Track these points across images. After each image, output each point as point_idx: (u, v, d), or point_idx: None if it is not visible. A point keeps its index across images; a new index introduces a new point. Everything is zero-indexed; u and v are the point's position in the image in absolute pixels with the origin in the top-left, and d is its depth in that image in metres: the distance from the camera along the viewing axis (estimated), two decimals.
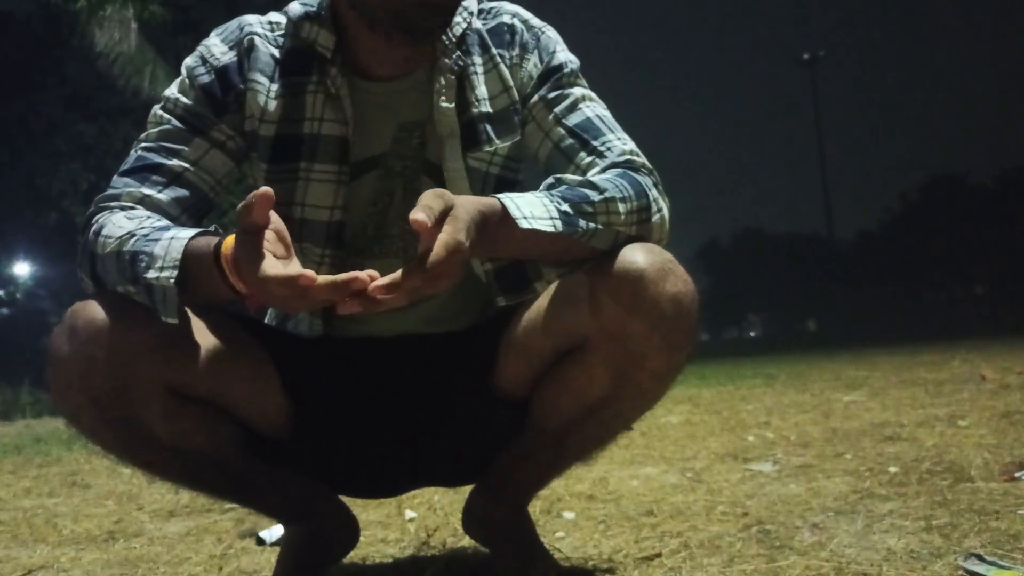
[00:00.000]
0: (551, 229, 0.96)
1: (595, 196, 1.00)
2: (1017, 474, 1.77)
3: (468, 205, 0.91)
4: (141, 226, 1.00)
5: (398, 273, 0.84)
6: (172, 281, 0.92)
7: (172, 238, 0.95)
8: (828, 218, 42.40)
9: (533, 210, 0.96)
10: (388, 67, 1.15)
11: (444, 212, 0.87)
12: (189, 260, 0.93)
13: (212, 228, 0.99)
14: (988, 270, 44.25)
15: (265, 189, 0.83)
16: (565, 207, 0.98)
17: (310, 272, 0.82)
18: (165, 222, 1.03)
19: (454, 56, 1.16)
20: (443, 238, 0.85)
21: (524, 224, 0.94)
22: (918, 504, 1.58)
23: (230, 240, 0.90)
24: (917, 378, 4.97)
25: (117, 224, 1.02)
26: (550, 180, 1.05)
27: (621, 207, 1.01)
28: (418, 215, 0.83)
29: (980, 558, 1.14)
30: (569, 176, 1.05)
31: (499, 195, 0.97)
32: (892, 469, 2.00)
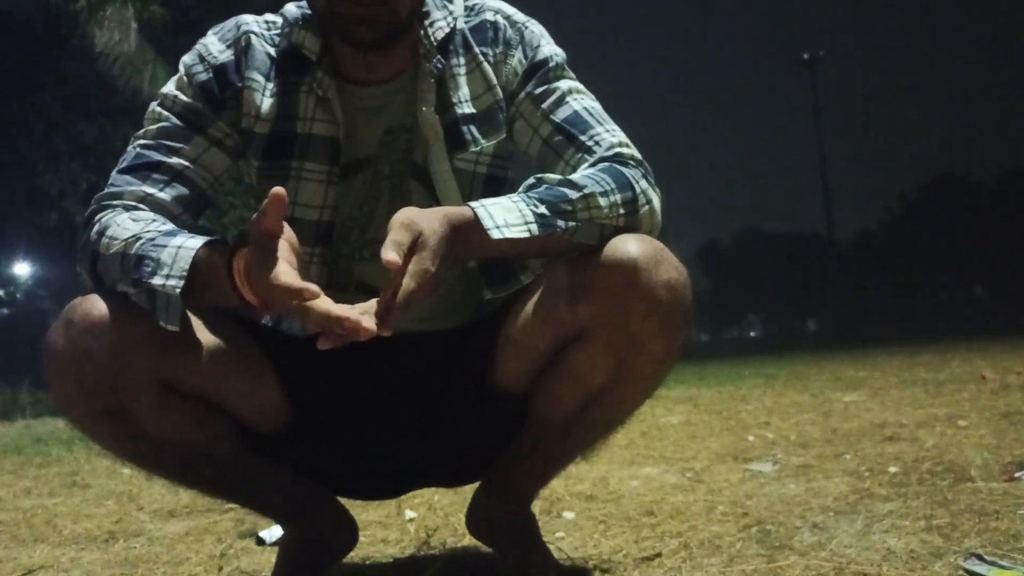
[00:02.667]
0: (526, 234, 0.97)
1: (573, 194, 1.01)
2: (1017, 474, 1.77)
3: (436, 225, 0.94)
4: (147, 229, 1.01)
5: (373, 312, 0.90)
6: (178, 291, 0.94)
7: (180, 246, 0.96)
8: (828, 218, 42.38)
9: (507, 217, 0.97)
10: (364, 72, 1.16)
11: (413, 242, 0.91)
12: (198, 268, 0.95)
13: (218, 237, 1.01)
14: (988, 270, 44.23)
15: (277, 190, 0.86)
16: (542, 209, 0.99)
17: (314, 287, 0.85)
18: (171, 226, 1.04)
19: (434, 60, 1.17)
20: (412, 269, 0.91)
21: (496, 234, 0.96)
22: (918, 504, 1.58)
23: (243, 251, 0.92)
24: (917, 378, 4.97)
25: (122, 226, 1.02)
26: (530, 181, 1.06)
27: (602, 201, 1.02)
28: (388, 255, 0.88)
29: (980, 558, 1.14)
30: (549, 176, 1.05)
31: (473, 204, 0.99)
32: (892, 469, 2.00)
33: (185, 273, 0.94)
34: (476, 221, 0.97)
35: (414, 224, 0.92)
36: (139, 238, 0.99)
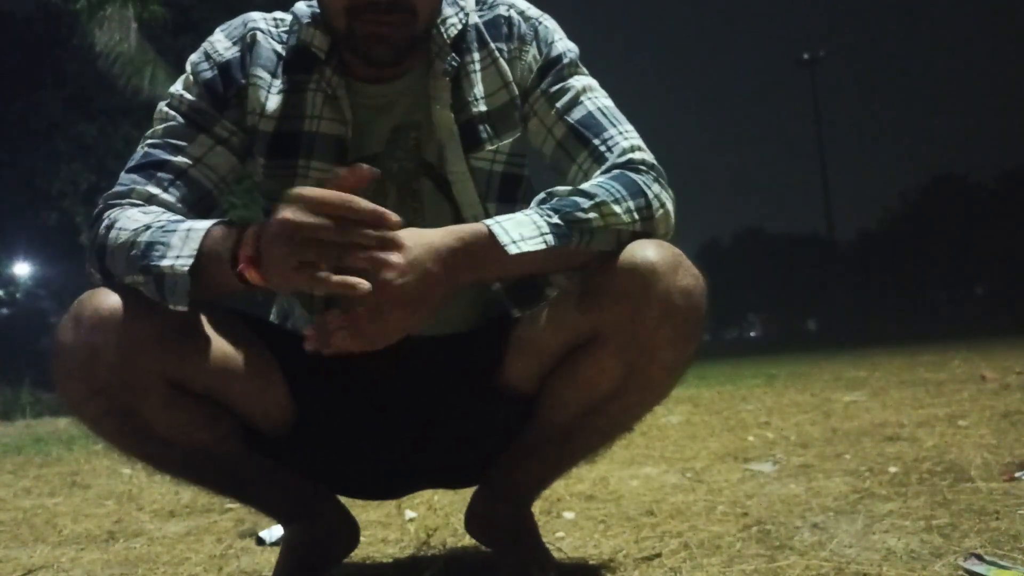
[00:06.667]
0: (542, 246, 0.96)
1: (585, 203, 1.00)
2: (1017, 474, 1.77)
3: (439, 239, 0.96)
4: (158, 219, 1.02)
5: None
6: (186, 268, 0.94)
7: (190, 228, 0.97)
8: (828, 218, 42.38)
9: (523, 231, 0.97)
10: (372, 70, 1.16)
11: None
12: (207, 247, 0.95)
13: (229, 219, 1.01)
14: (988, 270, 44.25)
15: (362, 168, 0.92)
16: (555, 219, 0.98)
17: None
18: (180, 216, 1.05)
19: (448, 58, 1.16)
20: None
21: (513, 249, 0.95)
22: (918, 504, 1.58)
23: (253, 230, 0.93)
24: (917, 378, 4.97)
25: (132, 218, 1.03)
26: (541, 196, 1.05)
27: (616, 208, 1.02)
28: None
29: (980, 558, 1.14)
30: (559, 188, 1.05)
31: (487, 221, 0.98)
32: (892, 469, 2.00)
33: (195, 252, 0.94)
34: (492, 237, 0.96)
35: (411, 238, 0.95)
36: (149, 227, 1.00)
